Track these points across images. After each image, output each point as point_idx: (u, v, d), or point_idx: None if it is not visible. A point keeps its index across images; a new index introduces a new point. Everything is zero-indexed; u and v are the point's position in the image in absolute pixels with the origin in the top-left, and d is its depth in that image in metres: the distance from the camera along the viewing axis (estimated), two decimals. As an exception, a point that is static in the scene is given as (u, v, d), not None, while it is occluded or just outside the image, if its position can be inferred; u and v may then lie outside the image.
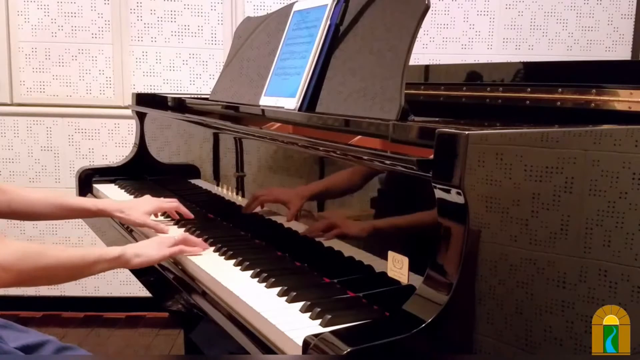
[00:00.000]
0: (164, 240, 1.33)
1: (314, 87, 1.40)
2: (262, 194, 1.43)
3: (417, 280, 0.93)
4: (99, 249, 1.27)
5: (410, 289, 0.92)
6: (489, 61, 2.71)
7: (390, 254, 1.00)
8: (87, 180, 2.11)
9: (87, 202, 1.62)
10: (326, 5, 1.44)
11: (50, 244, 1.20)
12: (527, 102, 1.36)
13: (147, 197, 1.66)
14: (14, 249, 1.10)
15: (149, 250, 1.29)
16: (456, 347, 0.85)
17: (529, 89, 1.36)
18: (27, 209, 1.50)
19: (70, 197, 1.62)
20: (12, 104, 2.93)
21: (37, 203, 1.51)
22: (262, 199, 1.43)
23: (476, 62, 2.77)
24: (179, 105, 2.04)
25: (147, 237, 1.51)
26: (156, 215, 1.60)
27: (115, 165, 2.21)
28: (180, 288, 1.28)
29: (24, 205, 1.49)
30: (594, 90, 1.23)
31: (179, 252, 1.31)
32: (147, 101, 2.21)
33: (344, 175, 1.17)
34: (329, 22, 1.42)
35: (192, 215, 1.59)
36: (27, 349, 1.23)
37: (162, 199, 1.63)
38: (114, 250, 1.25)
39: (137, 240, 1.54)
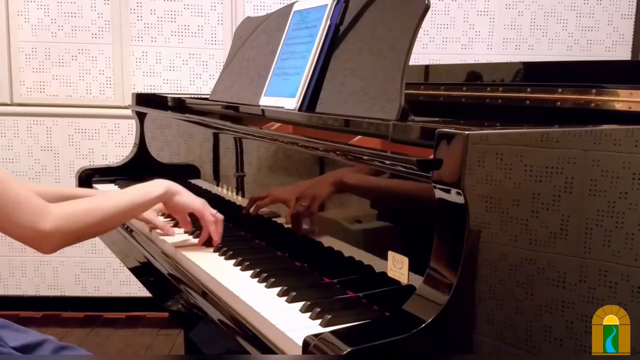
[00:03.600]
0: (207, 204, 1.38)
1: (314, 87, 1.40)
2: (262, 197, 1.43)
3: (417, 280, 0.93)
4: (141, 189, 1.31)
5: (410, 289, 0.92)
6: (489, 61, 2.71)
7: (390, 254, 1.00)
8: (87, 181, 2.11)
9: (95, 192, 1.61)
10: (326, 5, 1.44)
11: (91, 197, 1.23)
12: (527, 102, 1.36)
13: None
14: (59, 213, 1.12)
15: (193, 197, 1.36)
16: (456, 347, 0.85)
17: (529, 89, 1.36)
18: None
19: (77, 188, 1.61)
20: (12, 104, 2.93)
21: (43, 195, 1.50)
22: (263, 202, 1.42)
23: (476, 62, 2.77)
24: (179, 105, 2.04)
25: (147, 237, 1.51)
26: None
27: (115, 165, 2.21)
28: (180, 288, 1.28)
29: None
30: (594, 90, 1.23)
31: (212, 224, 1.35)
32: (147, 101, 2.21)
33: (345, 178, 1.16)
34: (329, 22, 1.42)
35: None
36: (26, 349, 1.23)
37: None
38: (158, 187, 1.31)
39: (136, 240, 1.54)
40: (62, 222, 1.12)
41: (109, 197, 1.23)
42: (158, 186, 1.30)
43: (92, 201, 1.19)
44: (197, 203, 1.36)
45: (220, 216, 1.37)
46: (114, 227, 1.23)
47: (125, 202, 1.23)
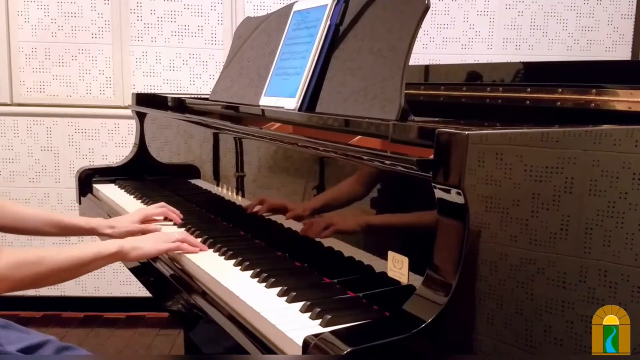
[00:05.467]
0: (162, 236, 1.36)
1: (314, 87, 1.40)
2: (266, 203, 1.43)
3: (417, 280, 0.93)
4: (96, 245, 1.28)
5: (410, 289, 0.92)
6: (489, 61, 2.71)
7: (390, 254, 1.00)
8: (87, 180, 2.11)
9: (80, 220, 1.62)
10: (326, 5, 1.44)
11: (48, 247, 1.22)
12: (527, 102, 1.36)
13: (138, 209, 1.65)
14: (9, 260, 1.11)
15: (146, 243, 1.32)
16: (456, 347, 0.85)
17: (529, 89, 1.36)
18: (17, 224, 1.51)
19: (64, 215, 1.63)
20: (12, 104, 2.93)
21: (28, 218, 1.52)
22: (265, 207, 1.42)
23: (476, 62, 2.77)
24: (179, 106, 2.04)
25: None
26: (150, 222, 1.59)
27: (115, 165, 2.21)
28: (180, 288, 1.28)
29: (13, 219, 1.50)
30: (594, 90, 1.23)
31: (176, 248, 1.33)
32: (147, 101, 2.21)
33: (348, 184, 1.16)
34: (329, 22, 1.42)
35: (179, 220, 1.59)
36: (27, 351, 1.23)
37: (150, 206, 1.64)
38: (112, 246, 1.27)
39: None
40: (7, 268, 1.10)
41: (61, 252, 1.22)
42: (111, 246, 1.28)
43: (42, 252, 1.19)
44: (153, 250, 1.32)
45: (179, 236, 1.36)
46: (63, 280, 1.24)
47: (75, 258, 1.21)
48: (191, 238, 1.37)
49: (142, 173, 2.18)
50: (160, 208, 1.60)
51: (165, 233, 1.38)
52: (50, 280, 1.21)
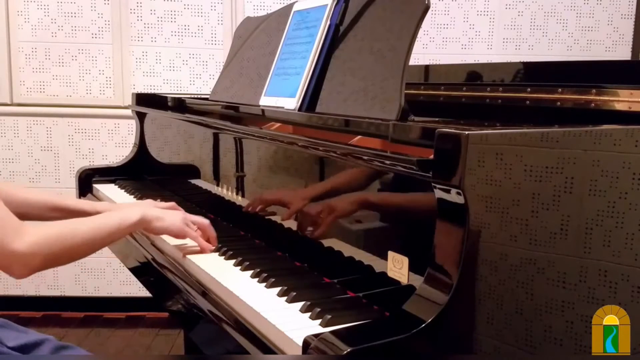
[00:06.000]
0: (187, 218, 1.33)
1: (314, 87, 1.40)
2: (264, 198, 1.43)
3: (417, 280, 0.93)
4: (118, 214, 1.26)
5: (410, 289, 0.92)
6: (489, 61, 2.71)
7: (390, 254, 1.00)
8: (87, 180, 2.11)
9: (85, 204, 1.61)
10: (326, 5, 1.44)
11: (67, 220, 1.20)
12: (527, 102, 1.36)
13: (148, 200, 1.64)
14: (36, 236, 1.09)
15: (172, 219, 1.30)
16: (456, 347, 0.85)
17: (529, 89, 1.36)
18: (22, 210, 1.46)
19: (68, 198, 1.62)
20: (12, 104, 2.93)
21: (34, 204, 1.49)
22: (263, 202, 1.42)
23: (476, 62, 2.77)
24: (179, 106, 2.04)
25: (147, 237, 1.51)
26: None
27: (115, 165, 2.21)
28: (180, 288, 1.28)
29: (18, 205, 1.46)
30: (594, 90, 1.23)
31: (194, 238, 1.32)
32: (147, 101, 2.21)
33: (345, 177, 1.16)
34: (329, 22, 1.42)
35: None
36: (25, 348, 1.23)
37: (160, 202, 1.63)
38: (134, 214, 1.25)
39: (137, 241, 1.54)
40: (36, 244, 1.08)
41: (85, 222, 1.19)
42: (133, 214, 1.25)
43: (67, 225, 1.16)
44: (175, 227, 1.31)
45: (204, 222, 1.34)
46: (89, 253, 1.21)
47: (100, 228, 1.20)
48: (210, 231, 1.35)
49: (142, 173, 2.18)
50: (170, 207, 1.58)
51: (190, 215, 1.35)
52: (80, 251, 1.18)
